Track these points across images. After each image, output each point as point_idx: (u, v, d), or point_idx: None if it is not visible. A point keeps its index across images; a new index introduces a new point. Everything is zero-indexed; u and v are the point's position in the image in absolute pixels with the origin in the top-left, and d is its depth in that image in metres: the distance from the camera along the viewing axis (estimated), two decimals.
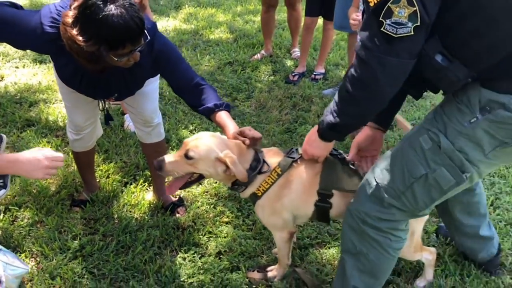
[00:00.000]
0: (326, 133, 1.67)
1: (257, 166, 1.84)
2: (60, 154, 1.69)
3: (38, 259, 2.26)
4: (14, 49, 4.56)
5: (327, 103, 3.63)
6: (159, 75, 2.16)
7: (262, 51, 4.63)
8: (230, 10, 6.11)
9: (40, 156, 1.63)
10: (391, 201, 1.61)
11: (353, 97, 1.50)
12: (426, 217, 1.90)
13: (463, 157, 1.46)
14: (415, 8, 1.28)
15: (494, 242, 2.13)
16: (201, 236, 2.41)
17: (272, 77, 4.23)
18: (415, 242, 1.94)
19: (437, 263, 2.19)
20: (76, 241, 2.34)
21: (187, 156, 1.76)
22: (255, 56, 4.57)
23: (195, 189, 2.74)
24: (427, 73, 1.44)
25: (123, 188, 2.75)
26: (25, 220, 2.48)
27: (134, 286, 2.10)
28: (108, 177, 2.82)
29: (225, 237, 2.40)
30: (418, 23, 1.30)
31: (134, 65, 1.82)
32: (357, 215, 1.70)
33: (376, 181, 1.65)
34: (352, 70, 1.46)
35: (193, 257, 2.28)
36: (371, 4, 1.34)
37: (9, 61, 4.40)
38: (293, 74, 4.20)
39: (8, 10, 1.75)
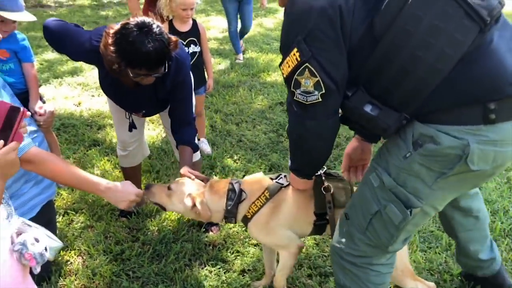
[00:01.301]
0: (294, 173, 1.84)
1: (234, 197, 2.01)
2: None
3: (84, 257, 2.55)
4: (93, 80, 5.19)
5: None
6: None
7: None
8: None
9: (131, 190, 1.95)
10: (360, 236, 1.63)
11: (293, 146, 1.67)
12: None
13: (407, 191, 1.45)
14: (317, 79, 1.37)
15: (496, 261, 2.11)
16: (229, 254, 2.58)
17: None
18: (402, 265, 1.96)
19: None
20: (118, 246, 2.62)
21: (169, 187, 2.03)
22: None
23: None
24: (361, 122, 1.49)
25: None
26: (79, 224, 2.81)
27: None
28: None
29: (251, 257, 2.55)
30: (323, 91, 1.38)
31: (160, 85, 2.18)
32: (335, 250, 1.74)
33: (347, 218, 1.69)
34: (288, 127, 1.60)
35: (219, 271, 2.46)
36: (284, 76, 1.47)
37: (87, 90, 5.00)
38: None
39: (71, 27, 2.22)
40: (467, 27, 1.28)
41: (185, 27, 3.49)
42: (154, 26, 1.94)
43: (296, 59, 1.37)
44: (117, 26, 1.97)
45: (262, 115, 4.43)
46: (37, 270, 1.49)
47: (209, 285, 2.36)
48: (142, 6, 4.13)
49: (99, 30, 2.13)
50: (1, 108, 1.30)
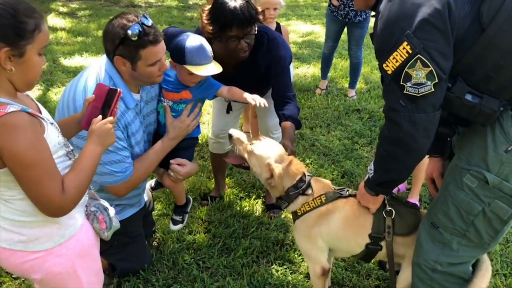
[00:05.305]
0: (374, 188, 1.79)
1: (301, 187, 1.98)
2: None
3: (159, 243, 2.69)
4: None
5: None
6: None
7: None
8: (369, 64, 6.33)
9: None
10: (459, 240, 1.65)
11: (392, 155, 1.61)
12: None
13: (511, 184, 1.51)
14: (430, 68, 1.40)
15: None
16: (296, 255, 2.59)
17: None
18: None
19: None
20: (191, 236, 2.73)
21: (251, 143, 2.02)
22: None
23: None
24: (462, 113, 1.52)
25: (238, 201, 3.10)
26: (156, 211, 2.97)
27: (230, 282, 2.37)
28: (228, 188, 3.22)
29: None
30: (436, 80, 1.41)
31: (254, 65, 2.31)
32: (426, 265, 1.73)
33: (435, 226, 1.69)
34: (385, 130, 1.59)
35: (285, 271, 2.48)
36: (389, 72, 1.47)
37: None
38: None
39: (179, 29, 2.44)
40: None
41: None
42: None
43: (407, 52, 1.41)
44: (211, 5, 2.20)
45: (338, 121, 4.39)
46: (105, 234, 1.64)
47: (275, 283, 2.38)
48: None
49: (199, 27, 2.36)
50: (102, 90, 1.51)
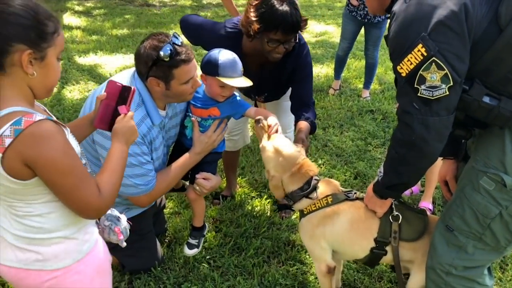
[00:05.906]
0: (384, 192, 1.76)
1: (306, 189, 1.97)
2: None
3: (169, 241, 2.70)
4: None
5: None
6: None
7: None
8: (384, 64, 6.27)
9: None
10: (475, 243, 1.62)
11: (404, 158, 1.58)
12: None
13: None
14: (445, 71, 1.38)
15: None
16: (307, 256, 2.58)
17: None
18: None
19: None
20: None
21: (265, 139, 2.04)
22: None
23: None
24: (480, 116, 1.48)
25: (249, 200, 3.09)
26: (168, 209, 2.98)
27: (240, 282, 2.37)
28: (239, 187, 3.21)
29: None
30: (451, 84, 1.39)
31: (281, 67, 2.30)
32: (440, 268, 1.71)
33: (450, 229, 1.66)
34: (398, 133, 1.56)
35: (296, 272, 2.47)
36: (403, 74, 1.44)
37: None
38: None
39: (204, 19, 2.46)
40: None
41: None
42: None
43: (422, 54, 1.39)
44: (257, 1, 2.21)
45: (351, 122, 4.35)
46: (124, 244, 1.63)
47: (286, 284, 2.37)
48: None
49: (232, 19, 2.37)
50: (115, 88, 1.51)
